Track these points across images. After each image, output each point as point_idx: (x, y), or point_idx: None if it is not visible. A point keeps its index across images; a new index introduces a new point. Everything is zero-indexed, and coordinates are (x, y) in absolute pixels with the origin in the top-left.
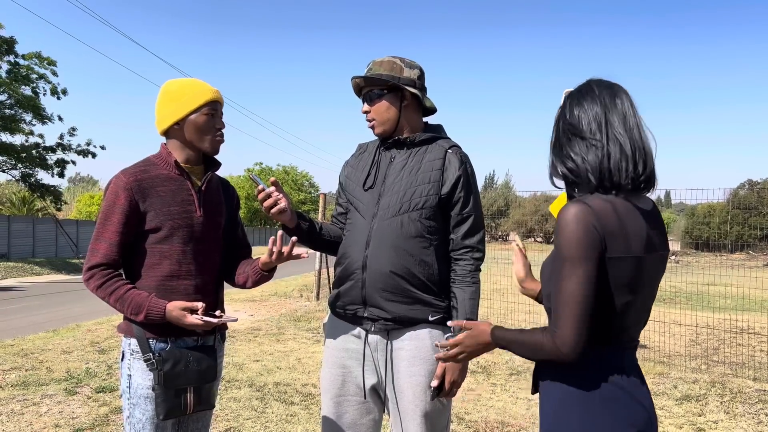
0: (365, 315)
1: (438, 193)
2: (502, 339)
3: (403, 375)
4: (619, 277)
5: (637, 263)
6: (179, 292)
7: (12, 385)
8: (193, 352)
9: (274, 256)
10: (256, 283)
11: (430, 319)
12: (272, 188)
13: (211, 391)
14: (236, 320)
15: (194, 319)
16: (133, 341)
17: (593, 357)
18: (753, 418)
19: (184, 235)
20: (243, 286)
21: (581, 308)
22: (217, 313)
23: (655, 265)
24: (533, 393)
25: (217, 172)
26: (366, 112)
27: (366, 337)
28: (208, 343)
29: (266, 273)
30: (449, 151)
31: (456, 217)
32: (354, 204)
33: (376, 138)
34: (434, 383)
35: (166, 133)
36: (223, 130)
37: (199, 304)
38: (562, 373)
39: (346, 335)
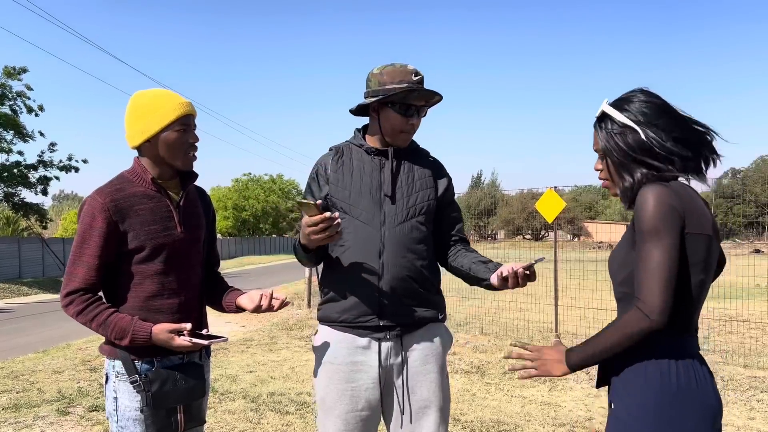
0: (381, 324)
1: (435, 198)
2: (579, 357)
3: (418, 373)
4: (695, 253)
5: (708, 241)
6: (163, 312)
7: (3, 408)
8: (180, 370)
9: (260, 310)
10: (227, 313)
11: (440, 317)
12: (336, 213)
13: (200, 407)
14: (226, 340)
15: (182, 341)
16: (118, 363)
17: (671, 344)
18: (745, 404)
19: (166, 254)
20: (216, 309)
21: (668, 274)
22: (204, 332)
23: (718, 247)
24: (599, 387)
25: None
26: (415, 124)
27: (379, 346)
28: (194, 359)
29: (240, 311)
30: (431, 158)
31: (452, 217)
32: (350, 211)
33: (348, 140)
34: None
35: (138, 149)
36: (197, 144)
37: (187, 325)
38: (640, 362)
39: (351, 348)
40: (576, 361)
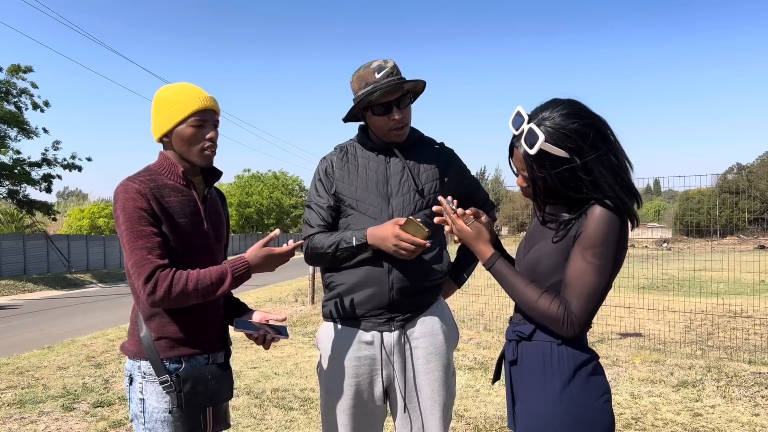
0: (389, 317)
1: (442, 188)
2: (500, 275)
3: (421, 372)
4: (619, 264)
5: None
6: (190, 307)
7: (8, 404)
8: (209, 370)
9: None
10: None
11: (438, 298)
12: (428, 243)
13: (227, 410)
14: (285, 319)
15: (282, 248)
16: (144, 363)
17: (584, 339)
18: (749, 400)
19: (194, 248)
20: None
21: (601, 299)
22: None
23: None
24: (494, 382)
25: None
26: (399, 119)
27: (381, 340)
28: (219, 360)
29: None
30: (436, 146)
31: (470, 197)
32: (357, 207)
33: (352, 139)
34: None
35: (162, 143)
36: (215, 140)
37: (276, 232)
38: (550, 352)
39: (356, 343)
40: (495, 271)
